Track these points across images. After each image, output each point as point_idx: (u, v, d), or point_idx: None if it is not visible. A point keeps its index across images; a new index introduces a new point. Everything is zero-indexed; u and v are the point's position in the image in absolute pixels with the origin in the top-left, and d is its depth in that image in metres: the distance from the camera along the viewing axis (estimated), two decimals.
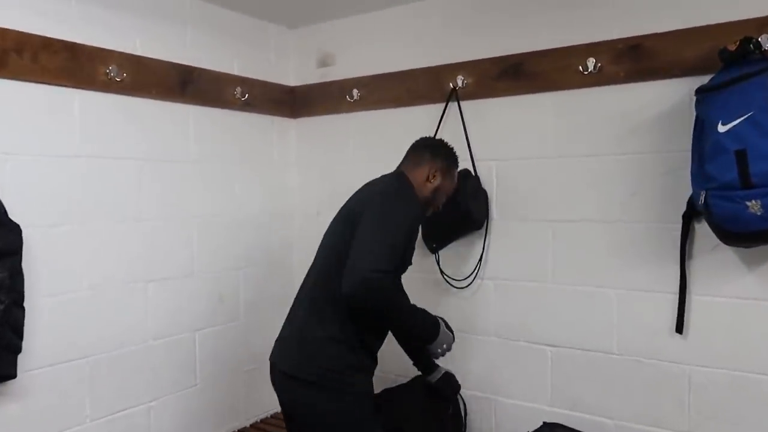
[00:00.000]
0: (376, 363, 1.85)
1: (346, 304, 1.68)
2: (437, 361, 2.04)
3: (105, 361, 2.09)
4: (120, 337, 2.14)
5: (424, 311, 1.82)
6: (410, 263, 1.85)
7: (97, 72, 2.02)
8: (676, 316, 1.92)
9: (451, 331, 1.88)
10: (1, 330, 1.70)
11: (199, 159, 2.42)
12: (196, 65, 2.37)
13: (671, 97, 1.92)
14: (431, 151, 1.94)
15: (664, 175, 1.94)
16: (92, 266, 2.05)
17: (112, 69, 2.05)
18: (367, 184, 1.95)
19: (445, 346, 1.85)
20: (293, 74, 2.84)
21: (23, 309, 1.78)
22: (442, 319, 1.87)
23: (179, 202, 2.34)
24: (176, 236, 2.34)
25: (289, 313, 1.89)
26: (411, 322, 1.80)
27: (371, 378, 1.82)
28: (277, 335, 1.88)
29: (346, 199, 1.92)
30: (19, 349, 1.77)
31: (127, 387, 2.16)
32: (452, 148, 2.00)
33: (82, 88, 2.00)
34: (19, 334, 1.77)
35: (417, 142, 2.01)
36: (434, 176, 1.90)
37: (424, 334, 1.82)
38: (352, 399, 1.73)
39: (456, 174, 2.00)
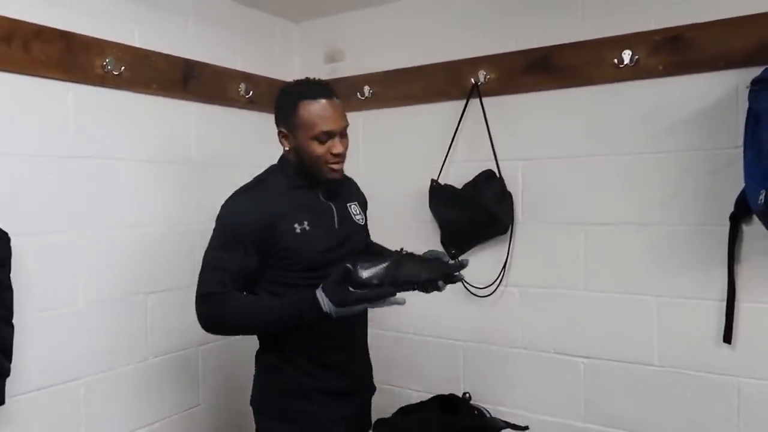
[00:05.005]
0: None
1: None
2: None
3: (102, 382, 1.90)
4: (118, 354, 1.95)
5: (268, 301, 1.49)
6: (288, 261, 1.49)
7: (93, 64, 1.85)
8: (723, 324, 1.80)
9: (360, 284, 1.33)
10: None
11: (202, 160, 2.24)
12: (198, 59, 2.19)
13: (715, 91, 1.81)
14: (275, 111, 1.58)
15: (708, 174, 1.82)
16: (88, 277, 1.87)
17: (109, 61, 1.87)
18: None
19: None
20: (298, 70, 2.67)
21: (12, 326, 1.59)
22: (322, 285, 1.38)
23: (180, 207, 2.16)
24: (177, 244, 2.15)
25: None
26: (249, 326, 1.55)
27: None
28: None
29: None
30: (7, 373, 1.58)
31: (126, 410, 1.97)
32: (283, 91, 1.58)
33: (77, 82, 1.82)
34: (7, 356, 1.58)
35: None
36: (286, 141, 1.54)
37: (291, 321, 1.42)
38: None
39: (305, 111, 1.48)
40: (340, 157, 1.51)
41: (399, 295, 1.35)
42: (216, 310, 1.48)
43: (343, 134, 1.53)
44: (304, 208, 1.52)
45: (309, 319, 1.39)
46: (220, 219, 1.54)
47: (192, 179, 2.21)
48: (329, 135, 1.49)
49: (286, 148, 1.55)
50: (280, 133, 1.56)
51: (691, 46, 1.83)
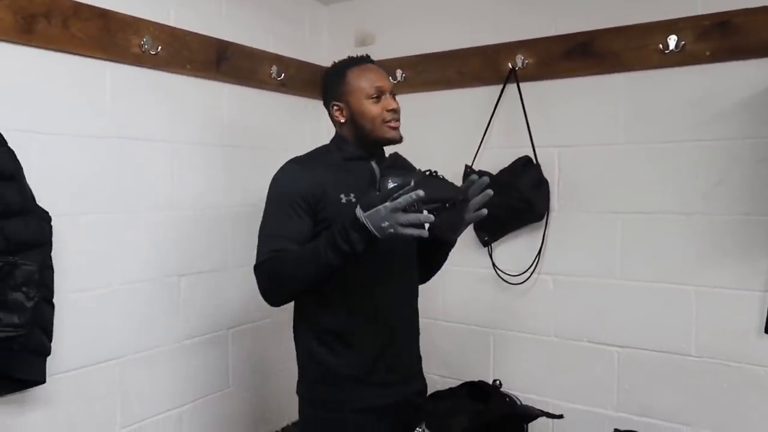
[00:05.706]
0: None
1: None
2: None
3: (136, 362, 1.90)
4: (152, 336, 1.95)
5: (305, 251, 1.40)
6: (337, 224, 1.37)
7: (131, 43, 1.82)
8: (765, 316, 1.78)
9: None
10: (30, 330, 1.51)
11: (233, 142, 2.22)
12: (231, 40, 2.17)
13: (765, 77, 1.76)
14: (322, 94, 1.61)
15: (756, 163, 1.79)
16: (123, 258, 1.86)
17: (146, 41, 1.85)
18: None
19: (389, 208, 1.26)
20: (328, 54, 2.64)
21: (53, 306, 1.59)
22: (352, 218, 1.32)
23: (212, 189, 2.15)
24: (209, 226, 2.15)
25: None
26: (304, 272, 1.40)
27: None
28: None
29: None
30: (48, 352, 1.58)
31: (160, 390, 1.98)
32: (327, 71, 1.60)
33: (115, 61, 1.80)
34: (48, 335, 1.58)
35: None
36: (340, 114, 1.53)
37: (338, 246, 1.33)
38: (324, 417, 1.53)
39: (354, 76, 1.51)
40: (397, 114, 1.52)
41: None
42: (267, 273, 1.44)
43: (393, 95, 1.54)
44: (354, 180, 1.50)
45: (353, 237, 1.30)
46: (271, 188, 1.52)
47: (224, 161, 2.19)
48: (381, 91, 1.50)
49: (342, 121, 1.54)
50: (333, 107, 1.54)
51: (739, 32, 1.78)
